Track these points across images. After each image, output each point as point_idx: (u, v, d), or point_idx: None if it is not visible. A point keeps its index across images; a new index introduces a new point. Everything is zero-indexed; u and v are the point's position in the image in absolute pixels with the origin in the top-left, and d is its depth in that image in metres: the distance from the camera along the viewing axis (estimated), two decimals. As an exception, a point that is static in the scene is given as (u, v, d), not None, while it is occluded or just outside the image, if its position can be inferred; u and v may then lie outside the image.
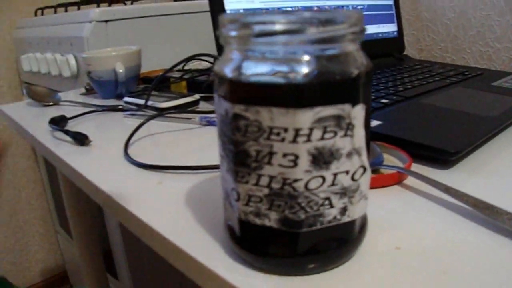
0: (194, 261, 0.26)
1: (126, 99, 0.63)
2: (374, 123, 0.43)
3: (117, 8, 0.93)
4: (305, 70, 0.20)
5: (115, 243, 1.02)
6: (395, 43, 0.83)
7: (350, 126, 0.21)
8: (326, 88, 0.20)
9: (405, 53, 0.85)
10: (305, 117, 0.20)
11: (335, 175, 0.21)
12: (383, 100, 0.51)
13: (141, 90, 0.70)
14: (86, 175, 0.40)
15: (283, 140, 0.20)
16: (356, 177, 0.22)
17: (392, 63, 0.78)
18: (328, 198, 0.22)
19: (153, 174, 0.39)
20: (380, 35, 0.80)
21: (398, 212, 0.30)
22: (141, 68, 0.75)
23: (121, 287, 1.06)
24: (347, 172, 0.22)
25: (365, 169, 0.23)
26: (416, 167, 0.37)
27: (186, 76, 0.71)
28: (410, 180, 0.34)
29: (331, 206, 0.22)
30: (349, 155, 0.21)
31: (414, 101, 0.51)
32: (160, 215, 0.31)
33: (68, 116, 0.59)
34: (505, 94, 0.56)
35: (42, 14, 1.31)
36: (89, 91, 0.80)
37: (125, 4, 0.97)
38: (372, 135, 0.40)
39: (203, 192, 0.35)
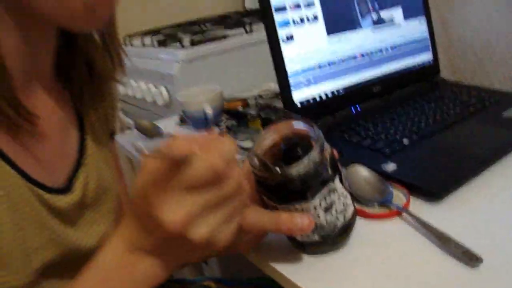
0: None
1: (215, 137, 0.85)
2: (392, 166, 0.62)
3: (198, 48, 1.16)
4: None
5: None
6: (430, 68, 0.99)
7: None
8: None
9: (441, 75, 1.00)
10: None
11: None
12: (405, 141, 0.69)
13: (229, 127, 0.91)
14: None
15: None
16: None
17: (426, 89, 0.94)
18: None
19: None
20: (416, 65, 0.96)
21: (389, 235, 0.49)
22: (223, 103, 0.96)
23: (210, 271, 1.30)
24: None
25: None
26: (415, 200, 0.56)
27: (261, 114, 0.91)
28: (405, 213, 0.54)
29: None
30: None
31: (428, 141, 0.69)
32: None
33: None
34: (506, 127, 0.72)
35: (130, 37, 1.53)
36: (183, 122, 1.03)
37: (205, 43, 1.19)
38: (388, 177, 0.59)
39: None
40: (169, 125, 1.02)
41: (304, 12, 0.80)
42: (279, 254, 0.50)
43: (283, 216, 0.44)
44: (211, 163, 0.36)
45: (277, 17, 0.76)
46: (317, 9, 0.81)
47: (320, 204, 0.45)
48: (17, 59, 0.45)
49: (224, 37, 1.24)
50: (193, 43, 1.17)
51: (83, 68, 0.56)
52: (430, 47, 0.99)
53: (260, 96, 1.05)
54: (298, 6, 0.79)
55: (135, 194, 0.39)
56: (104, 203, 0.58)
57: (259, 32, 1.23)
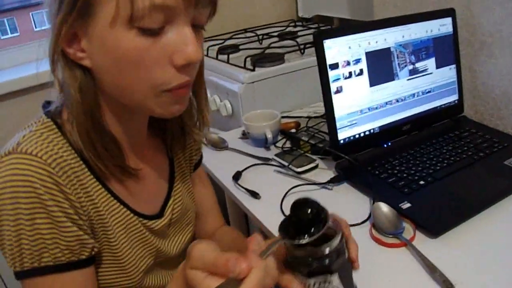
0: None
1: (275, 157, 1.08)
2: (407, 205, 0.83)
3: (260, 72, 1.38)
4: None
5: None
6: (455, 108, 1.18)
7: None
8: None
9: (464, 113, 1.20)
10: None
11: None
12: (421, 182, 0.90)
13: (284, 150, 1.14)
14: (259, 218, 0.87)
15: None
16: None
17: (448, 127, 1.14)
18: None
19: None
20: (442, 106, 1.16)
21: (396, 260, 0.72)
22: (280, 126, 1.19)
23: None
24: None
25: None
26: (420, 234, 0.77)
27: (311, 141, 1.13)
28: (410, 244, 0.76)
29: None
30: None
31: (439, 183, 0.90)
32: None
33: (235, 163, 1.06)
34: (504, 176, 0.92)
35: None
36: (245, 136, 1.26)
37: (265, 66, 1.41)
38: (402, 213, 0.81)
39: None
40: (232, 138, 1.26)
41: (352, 68, 1.01)
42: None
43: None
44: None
45: (331, 73, 0.98)
46: (363, 65, 1.02)
47: (313, 285, 0.55)
48: (123, 134, 0.65)
49: (282, 57, 1.45)
50: (254, 65, 1.40)
51: (174, 123, 0.74)
52: (457, 90, 1.18)
53: (310, 118, 1.27)
54: (348, 63, 1.00)
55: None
56: (184, 220, 0.80)
57: (313, 55, 1.43)
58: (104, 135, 0.60)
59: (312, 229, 0.53)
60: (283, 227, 0.55)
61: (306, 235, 0.53)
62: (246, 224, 1.40)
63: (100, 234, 0.63)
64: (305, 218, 0.54)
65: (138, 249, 0.68)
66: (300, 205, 0.55)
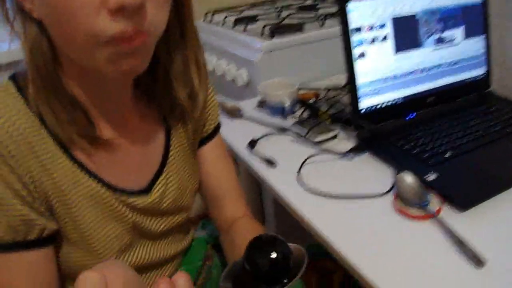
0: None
1: (292, 128, 1.04)
2: (433, 176, 0.79)
3: (278, 40, 1.33)
4: None
5: (269, 214, 1.47)
6: (482, 82, 1.13)
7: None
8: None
9: (491, 88, 1.14)
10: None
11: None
12: (447, 154, 0.85)
13: (301, 119, 1.09)
14: (275, 187, 0.83)
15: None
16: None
17: (474, 101, 1.09)
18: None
19: (317, 197, 0.80)
20: (469, 79, 1.10)
21: (421, 233, 0.68)
22: (298, 94, 1.15)
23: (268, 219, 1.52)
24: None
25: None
26: (447, 207, 0.73)
27: (330, 111, 1.08)
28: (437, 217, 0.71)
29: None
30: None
31: (467, 156, 0.85)
32: (336, 233, 0.73)
33: (251, 132, 1.02)
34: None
35: (212, 15, 1.70)
36: (261, 104, 1.21)
37: (283, 35, 1.36)
38: (428, 185, 0.77)
39: (361, 216, 0.75)
40: (248, 107, 1.22)
41: (376, 33, 0.95)
42: (331, 223, 0.70)
43: None
44: None
45: (354, 37, 0.93)
46: (388, 30, 0.97)
47: None
48: (92, 100, 0.59)
49: (300, 27, 1.40)
50: (272, 34, 1.34)
51: (162, 89, 0.66)
52: (485, 63, 1.12)
53: (329, 90, 1.22)
54: (371, 28, 0.95)
55: None
56: (181, 201, 0.72)
57: (333, 26, 1.38)
58: (65, 100, 0.55)
59: (283, 279, 0.42)
60: (232, 277, 0.45)
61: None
62: (260, 196, 1.37)
63: (60, 211, 0.57)
64: (265, 264, 0.42)
65: (111, 228, 0.62)
66: (260, 246, 0.44)
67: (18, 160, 0.53)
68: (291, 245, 0.44)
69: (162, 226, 0.70)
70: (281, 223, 1.44)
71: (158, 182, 0.68)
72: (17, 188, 0.53)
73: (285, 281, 0.42)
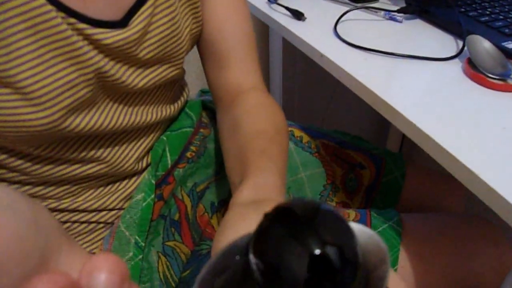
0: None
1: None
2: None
3: None
4: None
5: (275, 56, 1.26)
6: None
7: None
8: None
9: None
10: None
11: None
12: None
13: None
14: (304, 39, 0.64)
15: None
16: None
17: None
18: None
19: (356, 52, 0.62)
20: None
21: (503, 105, 0.51)
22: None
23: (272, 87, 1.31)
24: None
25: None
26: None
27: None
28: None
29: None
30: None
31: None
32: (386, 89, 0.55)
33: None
34: None
35: None
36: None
37: None
38: (508, 54, 0.59)
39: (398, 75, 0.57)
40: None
41: None
42: (383, 82, 0.52)
43: None
44: None
45: None
46: None
47: None
48: None
49: None
50: None
51: None
52: None
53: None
54: None
55: None
56: (173, 47, 0.52)
57: None
58: None
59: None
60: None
61: None
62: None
63: None
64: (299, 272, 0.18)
65: (59, 71, 0.42)
66: (288, 229, 0.19)
67: None
68: (354, 226, 0.20)
69: (139, 81, 0.50)
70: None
71: (140, 13, 0.47)
72: None
73: None
